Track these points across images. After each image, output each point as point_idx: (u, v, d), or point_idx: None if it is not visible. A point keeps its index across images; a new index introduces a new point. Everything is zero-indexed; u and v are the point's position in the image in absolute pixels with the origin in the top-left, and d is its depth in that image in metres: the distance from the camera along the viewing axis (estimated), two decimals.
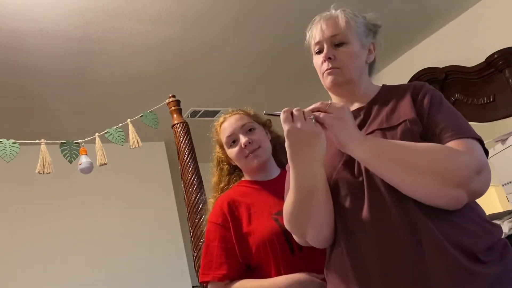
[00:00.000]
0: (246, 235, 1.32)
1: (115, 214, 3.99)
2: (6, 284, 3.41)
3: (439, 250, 0.85)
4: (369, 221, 0.93)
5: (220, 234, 1.34)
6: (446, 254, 0.85)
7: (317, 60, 1.16)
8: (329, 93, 1.20)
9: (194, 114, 3.95)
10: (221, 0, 2.65)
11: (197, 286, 3.86)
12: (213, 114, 3.99)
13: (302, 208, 1.00)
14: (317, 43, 1.15)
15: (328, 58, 1.11)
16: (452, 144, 0.94)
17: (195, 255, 2.17)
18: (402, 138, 0.97)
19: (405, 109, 1.04)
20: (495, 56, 2.88)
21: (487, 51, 2.95)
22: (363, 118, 1.10)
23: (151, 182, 4.26)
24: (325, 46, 1.12)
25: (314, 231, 1.02)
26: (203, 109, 3.93)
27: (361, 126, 1.08)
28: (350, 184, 1.00)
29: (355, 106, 1.14)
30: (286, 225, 1.08)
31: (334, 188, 1.02)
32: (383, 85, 1.18)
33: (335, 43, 1.12)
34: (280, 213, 1.29)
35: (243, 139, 1.38)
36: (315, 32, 1.15)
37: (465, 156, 0.91)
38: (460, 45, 3.34)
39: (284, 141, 1.56)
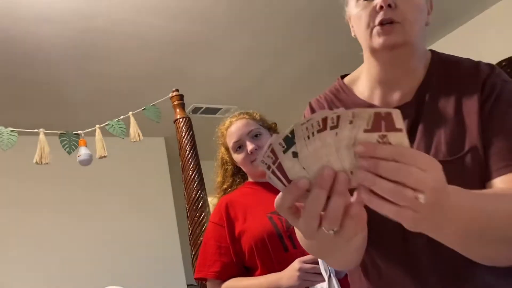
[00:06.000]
0: (239, 234, 1.33)
1: (111, 208, 3.94)
2: None
3: None
4: (398, 260, 0.78)
5: (216, 232, 1.37)
6: None
7: (363, 10, 0.81)
8: (367, 57, 0.86)
9: (195, 110, 3.91)
10: None
11: (192, 284, 3.82)
12: (215, 111, 3.94)
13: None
14: None
15: (388, 6, 0.77)
16: (508, 179, 0.70)
17: (193, 253, 2.13)
18: (470, 174, 0.72)
19: (471, 124, 0.75)
20: (503, 64, 2.86)
21: (494, 58, 2.92)
22: (415, 117, 0.80)
23: (149, 178, 4.21)
24: None
25: (336, 266, 0.96)
26: (205, 106, 3.89)
27: (413, 130, 0.79)
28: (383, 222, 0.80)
29: (399, 92, 0.83)
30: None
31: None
32: (433, 54, 0.87)
33: None
34: (276, 212, 1.30)
35: (249, 146, 1.38)
36: None
37: None
38: (467, 52, 3.29)
39: None
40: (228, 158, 1.50)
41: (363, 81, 0.88)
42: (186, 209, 2.20)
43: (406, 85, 0.82)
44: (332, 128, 0.45)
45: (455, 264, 0.70)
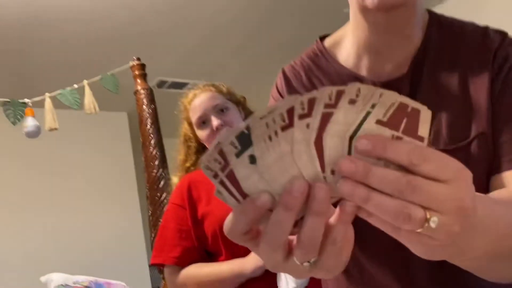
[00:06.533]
0: (202, 217, 1.26)
1: (68, 186, 3.76)
2: None
3: None
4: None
5: (176, 215, 1.30)
6: None
7: None
8: (354, 16, 0.69)
9: (160, 84, 3.74)
10: None
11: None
12: (181, 86, 3.78)
13: None
14: None
15: None
16: None
17: (153, 235, 2.01)
18: (476, 166, 0.59)
19: (479, 104, 0.62)
20: None
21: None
22: (410, 94, 0.66)
23: (110, 155, 4.05)
24: None
25: None
26: (171, 80, 3.72)
27: None
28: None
29: (392, 63, 0.68)
30: None
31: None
32: (430, 15, 0.72)
33: None
34: None
35: (215, 122, 1.29)
36: None
37: None
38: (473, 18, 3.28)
39: None
40: (191, 135, 1.39)
41: (348, 46, 0.73)
42: (146, 189, 2.07)
43: (401, 53, 0.68)
44: (301, 117, 0.32)
45: (456, 274, 0.58)
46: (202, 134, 1.33)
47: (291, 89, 0.75)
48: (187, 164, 1.40)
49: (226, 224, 0.35)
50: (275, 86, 0.79)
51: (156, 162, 2.03)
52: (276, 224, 0.32)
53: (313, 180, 0.32)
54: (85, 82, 2.15)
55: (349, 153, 0.32)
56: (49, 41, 2.88)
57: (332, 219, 0.34)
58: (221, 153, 0.33)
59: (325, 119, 0.32)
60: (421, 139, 0.33)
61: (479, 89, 0.63)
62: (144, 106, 2.13)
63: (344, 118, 0.32)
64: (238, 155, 0.33)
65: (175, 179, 1.43)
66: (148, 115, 2.13)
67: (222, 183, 0.33)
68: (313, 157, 0.32)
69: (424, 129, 0.33)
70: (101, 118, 4.00)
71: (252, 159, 0.32)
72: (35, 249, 3.46)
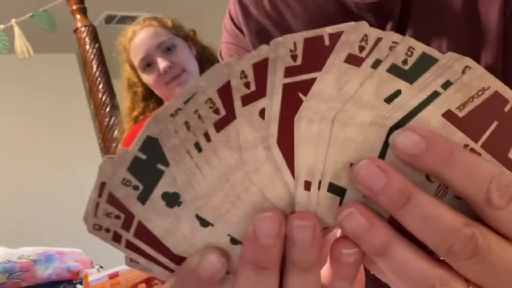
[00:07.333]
0: None
1: (15, 145, 3.52)
2: None
3: None
4: None
5: None
6: None
7: None
8: None
9: (109, 20, 3.42)
10: None
11: None
12: (133, 20, 3.43)
13: None
14: None
15: None
16: None
17: None
18: None
19: (488, 29, 0.50)
20: None
21: None
22: (401, 18, 0.52)
23: (62, 103, 3.76)
24: None
25: None
26: (119, 14, 3.38)
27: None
28: None
29: None
30: None
31: None
32: None
33: None
34: None
35: (161, 63, 1.15)
36: None
37: None
38: None
39: (211, 53, 1.28)
40: (136, 79, 1.24)
41: None
42: (99, 139, 1.91)
43: None
44: (247, 100, 0.17)
45: None
46: (148, 78, 1.17)
47: (250, 19, 0.58)
48: (135, 113, 1.26)
49: None
50: (228, 15, 0.62)
51: (107, 110, 1.85)
52: None
53: (287, 206, 0.18)
54: (13, 21, 1.87)
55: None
56: None
57: (327, 271, 0.19)
58: (113, 200, 0.18)
59: (291, 94, 0.17)
60: (511, 165, 0.18)
61: (490, 6, 0.49)
62: (87, 46, 1.90)
63: (336, 87, 0.16)
64: (142, 197, 0.17)
65: (125, 132, 1.30)
66: (93, 56, 1.91)
67: (131, 246, 0.18)
68: (281, 166, 0.17)
69: None
70: (49, 60, 3.68)
71: (171, 199, 0.17)
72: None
